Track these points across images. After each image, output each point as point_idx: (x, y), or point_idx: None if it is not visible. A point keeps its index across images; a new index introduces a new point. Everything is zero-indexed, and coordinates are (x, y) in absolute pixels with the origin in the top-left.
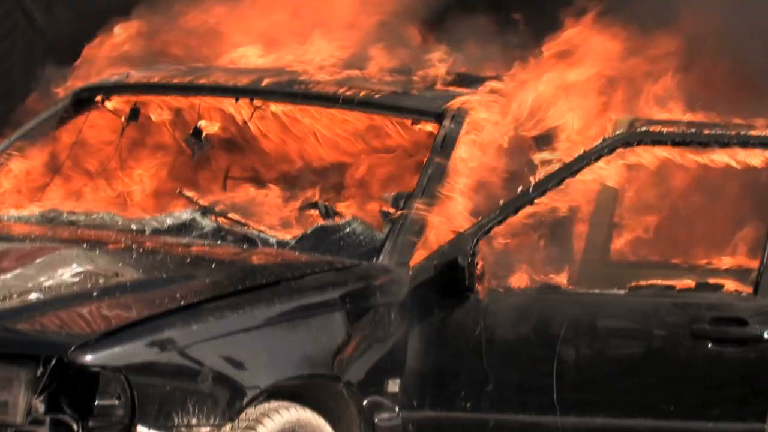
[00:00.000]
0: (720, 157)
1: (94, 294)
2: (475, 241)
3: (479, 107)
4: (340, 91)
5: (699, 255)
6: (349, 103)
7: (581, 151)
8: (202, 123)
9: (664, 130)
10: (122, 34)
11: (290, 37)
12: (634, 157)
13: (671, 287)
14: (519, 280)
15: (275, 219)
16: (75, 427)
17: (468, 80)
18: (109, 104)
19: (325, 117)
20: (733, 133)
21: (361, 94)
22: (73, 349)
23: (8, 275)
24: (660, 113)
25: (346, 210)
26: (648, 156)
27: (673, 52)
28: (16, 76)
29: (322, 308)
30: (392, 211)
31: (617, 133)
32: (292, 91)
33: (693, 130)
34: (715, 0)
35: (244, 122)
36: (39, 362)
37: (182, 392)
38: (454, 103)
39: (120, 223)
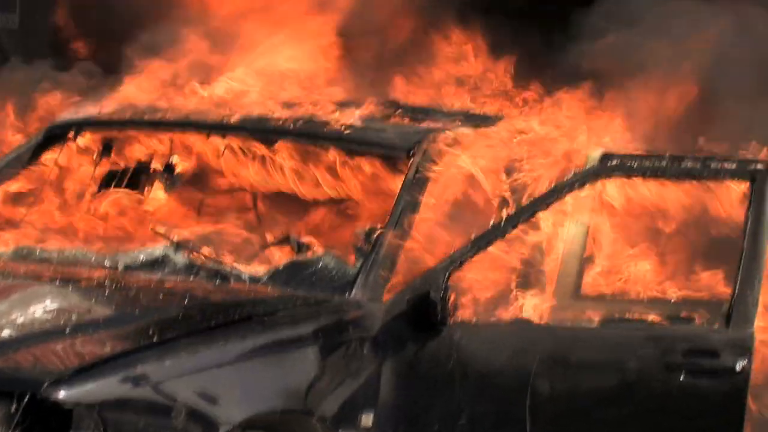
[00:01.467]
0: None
1: (68, 330)
2: (447, 274)
3: (450, 142)
4: (311, 126)
5: (670, 287)
6: (321, 139)
7: (552, 185)
8: (174, 158)
9: (635, 163)
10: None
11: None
12: (605, 189)
13: (643, 320)
14: (491, 313)
15: (247, 254)
16: None
17: (438, 115)
18: (81, 140)
19: (297, 152)
20: (703, 165)
21: (332, 129)
22: (46, 385)
23: None
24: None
25: (318, 245)
26: (619, 188)
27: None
28: None
29: (295, 343)
30: (364, 245)
31: (589, 166)
32: (262, 127)
33: (663, 163)
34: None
35: (216, 157)
36: (13, 398)
37: (156, 428)
38: (425, 139)
39: (93, 259)
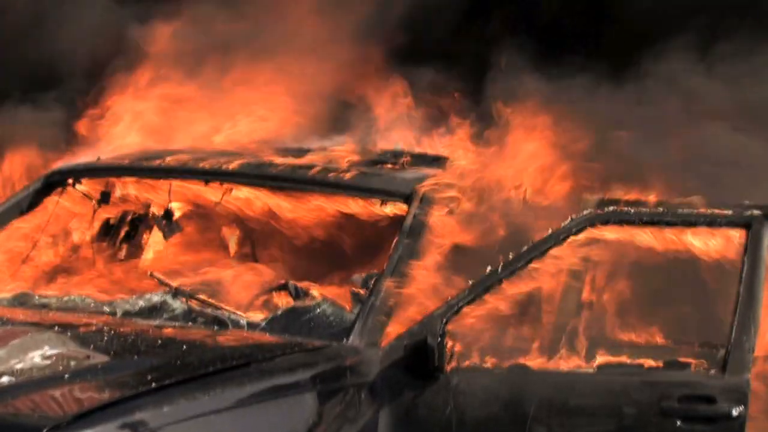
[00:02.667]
0: (687, 237)
1: (66, 376)
2: (444, 321)
3: (447, 186)
4: (310, 172)
5: (666, 333)
6: (319, 185)
7: (550, 231)
8: (172, 205)
9: (631, 209)
10: None
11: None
12: (602, 236)
13: (640, 365)
14: (489, 359)
15: (245, 300)
16: None
17: (432, 160)
18: (80, 187)
19: (294, 198)
20: (700, 212)
21: (331, 174)
22: (46, 431)
23: None
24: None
25: (316, 291)
26: (615, 235)
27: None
28: None
29: (293, 389)
30: (362, 291)
31: (585, 212)
32: (260, 173)
33: (659, 210)
34: None
35: (215, 204)
36: None
37: None
38: (423, 184)
39: (91, 305)
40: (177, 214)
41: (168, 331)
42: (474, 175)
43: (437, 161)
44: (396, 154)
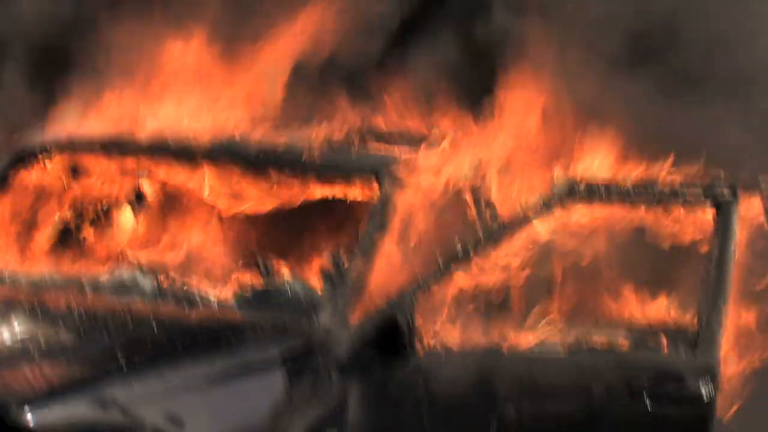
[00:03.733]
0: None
1: (36, 354)
2: (414, 299)
3: (418, 166)
4: (280, 151)
5: (637, 314)
6: (290, 164)
7: (519, 209)
8: (143, 182)
9: (601, 188)
10: None
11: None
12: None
13: (610, 345)
14: (458, 339)
15: (216, 278)
16: None
17: (405, 139)
18: (50, 163)
19: (265, 177)
20: (670, 190)
21: (300, 154)
22: (15, 409)
23: None
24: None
25: (286, 269)
26: (585, 214)
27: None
28: None
29: (262, 367)
30: (332, 269)
31: (555, 191)
32: (229, 152)
33: (629, 188)
34: None
35: (185, 182)
36: None
37: None
38: (393, 163)
39: (62, 282)
40: (147, 192)
41: (138, 309)
42: (452, 155)
43: (415, 140)
44: (368, 133)
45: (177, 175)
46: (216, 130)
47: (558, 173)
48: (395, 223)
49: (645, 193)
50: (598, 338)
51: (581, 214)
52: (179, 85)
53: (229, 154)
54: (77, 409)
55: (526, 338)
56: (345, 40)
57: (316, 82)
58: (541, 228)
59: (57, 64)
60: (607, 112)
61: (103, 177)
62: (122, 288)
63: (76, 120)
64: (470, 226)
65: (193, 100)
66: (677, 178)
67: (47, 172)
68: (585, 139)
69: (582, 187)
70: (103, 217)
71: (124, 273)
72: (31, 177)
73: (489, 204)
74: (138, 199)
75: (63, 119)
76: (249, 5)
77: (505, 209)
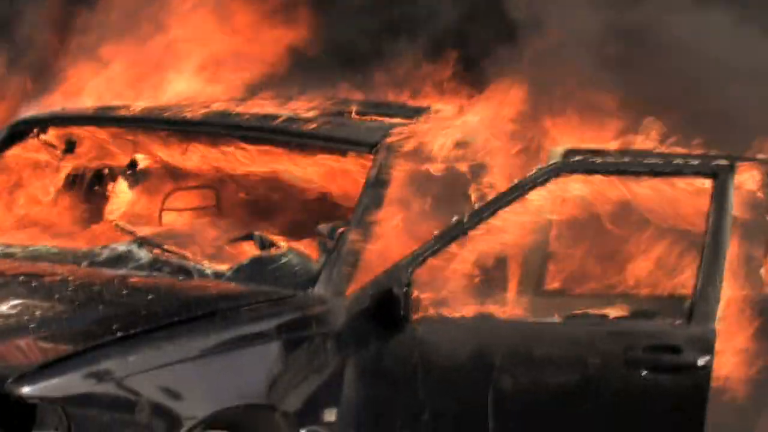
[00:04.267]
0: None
1: (32, 326)
2: (410, 271)
3: (413, 138)
4: (276, 122)
5: (632, 284)
6: (284, 134)
7: (515, 181)
8: (138, 155)
9: (598, 159)
10: None
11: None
12: (568, 186)
13: (605, 316)
14: (454, 309)
15: (211, 250)
16: None
17: (401, 110)
18: (45, 137)
19: (260, 147)
20: (667, 161)
21: (296, 124)
22: (10, 380)
23: None
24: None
25: (282, 241)
26: (581, 185)
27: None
28: None
29: (259, 339)
30: (328, 241)
31: (551, 162)
32: (225, 123)
33: (626, 159)
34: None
35: (180, 154)
36: None
37: (120, 423)
38: (389, 134)
39: (57, 255)
40: (142, 165)
41: (133, 281)
42: (448, 128)
43: (414, 112)
44: (363, 105)
45: (171, 147)
46: (210, 101)
47: (554, 145)
48: (390, 195)
49: (641, 165)
50: (595, 308)
51: (577, 186)
52: (173, 56)
53: (223, 126)
54: (73, 381)
55: (522, 308)
56: (341, 17)
57: (313, 56)
58: (537, 199)
59: (51, 42)
60: (602, 85)
61: (98, 149)
62: (118, 260)
63: (69, 94)
64: (466, 197)
65: (187, 71)
66: (674, 149)
67: (42, 146)
68: (581, 111)
69: (578, 157)
70: (98, 189)
71: (120, 245)
72: (26, 150)
73: (485, 174)
74: (133, 171)
75: (56, 94)
76: None
77: (500, 181)
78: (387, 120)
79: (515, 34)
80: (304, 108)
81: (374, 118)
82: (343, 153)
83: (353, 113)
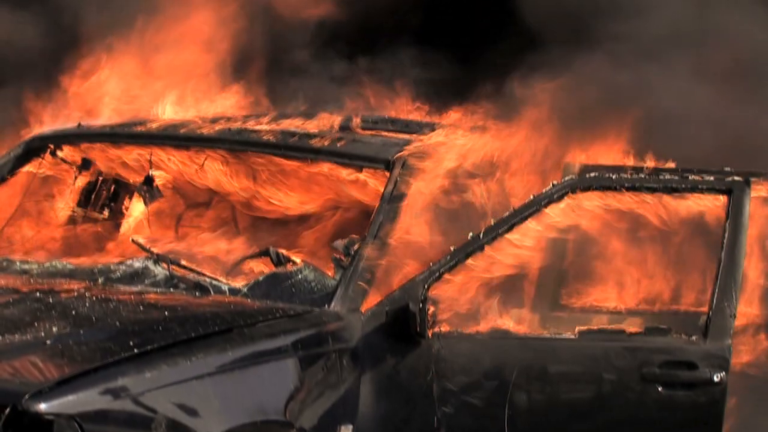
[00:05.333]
0: (668, 203)
1: (48, 342)
2: (426, 287)
3: (428, 154)
4: (291, 139)
5: (648, 300)
6: (300, 151)
7: (531, 197)
8: (153, 172)
9: (613, 176)
10: None
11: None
12: (584, 202)
13: (621, 331)
14: (470, 324)
15: (227, 266)
16: None
17: (416, 127)
18: (60, 153)
19: (276, 164)
20: (682, 178)
21: (311, 141)
22: (27, 397)
23: None
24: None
25: (298, 257)
26: (597, 202)
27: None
28: None
29: (275, 355)
30: (343, 257)
31: (567, 178)
32: (241, 139)
33: (641, 176)
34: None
35: (196, 170)
36: None
37: None
38: (404, 151)
39: (73, 271)
40: (158, 181)
41: (150, 297)
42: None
43: (424, 128)
44: (379, 121)
45: (187, 164)
46: (225, 118)
47: (569, 162)
48: (406, 211)
49: (656, 181)
50: (610, 324)
51: (593, 202)
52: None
53: (239, 142)
54: (89, 397)
55: (537, 324)
56: (354, 31)
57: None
58: (553, 215)
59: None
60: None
61: (114, 166)
62: (134, 276)
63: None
64: (482, 213)
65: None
66: (689, 166)
67: (58, 163)
68: (596, 129)
69: (594, 174)
70: (114, 205)
71: (136, 261)
72: (42, 168)
73: (501, 192)
74: (149, 187)
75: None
76: None
77: (516, 197)
78: (403, 136)
79: (531, 54)
80: (315, 124)
81: (387, 134)
82: (359, 169)
83: (366, 129)
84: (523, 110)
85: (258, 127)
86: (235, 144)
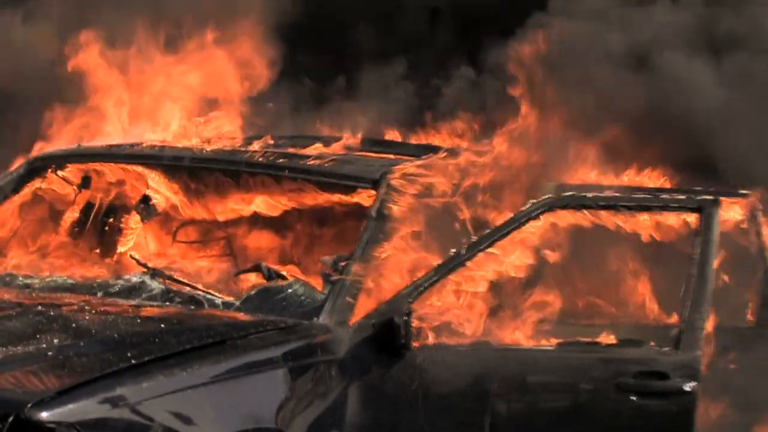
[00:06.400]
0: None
1: (49, 354)
2: (410, 300)
3: (415, 174)
4: (280, 160)
5: (622, 313)
6: (290, 171)
7: (510, 215)
8: (150, 190)
9: (589, 194)
10: None
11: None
12: (561, 220)
13: (597, 343)
14: (453, 337)
15: (221, 281)
16: None
17: (403, 149)
18: (62, 173)
19: (267, 184)
20: (654, 196)
21: (301, 161)
22: (29, 406)
23: None
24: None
25: (288, 272)
26: (573, 219)
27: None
28: None
29: (266, 365)
30: (332, 272)
31: (544, 197)
32: (233, 159)
33: (615, 194)
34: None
35: (191, 189)
36: None
37: None
38: (391, 170)
39: (73, 285)
40: (155, 199)
41: (147, 311)
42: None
43: (410, 149)
44: (366, 142)
45: (181, 182)
46: (217, 139)
47: (547, 181)
48: (392, 229)
49: (630, 199)
50: (586, 336)
51: (569, 219)
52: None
53: (230, 162)
54: (89, 406)
55: (516, 336)
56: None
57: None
58: (531, 232)
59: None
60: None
61: (112, 184)
62: (132, 290)
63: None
64: (464, 230)
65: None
66: (662, 185)
67: (59, 181)
68: (573, 150)
69: (571, 192)
70: (112, 222)
71: (133, 276)
72: (43, 186)
73: (482, 210)
74: (146, 205)
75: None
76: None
77: (497, 215)
78: (388, 157)
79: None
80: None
81: (375, 154)
82: (347, 188)
83: (355, 150)
84: (507, 132)
85: (251, 148)
86: (226, 164)
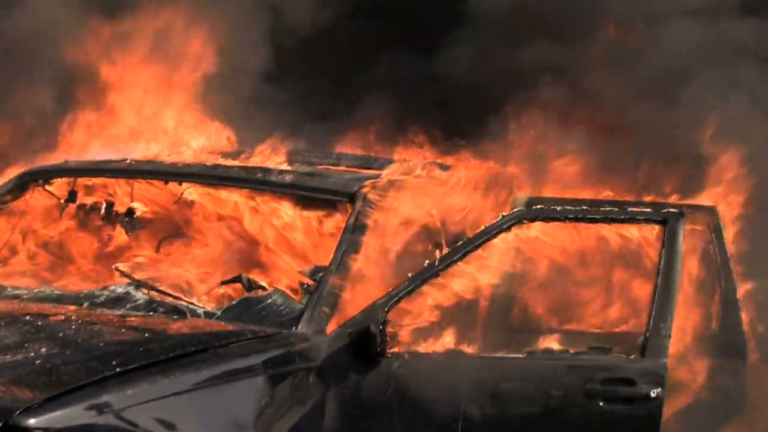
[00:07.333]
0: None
1: (37, 362)
2: (385, 310)
3: (390, 188)
4: (258, 174)
5: (590, 321)
6: (269, 185)
7: (482, 228)
8: (135, 203)
9: (558, 207)
10: None
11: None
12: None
13: (566, 351)
14: (426, 345)
15: (203, 291)
16: None
17: (377, 163)
18: (49, 187)
19: (246, 197)
20: (621, 210)
21: (279, 176)
22: (18, 413)
23: None
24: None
25: (268, 283)
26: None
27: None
28: None
29: (247, 373)
30: (310, 283)
31: (514, 210)
32: (215, 174)
33: (583, 208)
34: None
35: (173, 202)
36: None
37: None
38: (366, 185)
39: (60, 296)
40: (139, 212)
41: (131, 320)
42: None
43: (385, 163)
44: (343, 157)
45: (164, 195)
46: (198, 153)
47: (518, 194)
48: (367, 241)
49: (598, 213)
50: (556, 344)
51: (539, 231)
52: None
53: (210, 176)
54: (75, 412)
55: (488, 344)
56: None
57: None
58: (503, 244)
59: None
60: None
61: (98, 198)
62: (116, 301)
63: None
64: (437, 243)
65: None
66: (628, 198)
67: (47, 195)
68: (546, 166)
69: (540, 206)
70: (98, 235)
71: (118, 287)
72: (31, 199)
73: (454, 223)
74: (131, 218)
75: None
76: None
77: (469, 227)
78: (362, 171)
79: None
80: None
81: (349, 169)
82: (324, 202)
83: (330, 165)
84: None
85: (231, 163)
86: (206, 178)
